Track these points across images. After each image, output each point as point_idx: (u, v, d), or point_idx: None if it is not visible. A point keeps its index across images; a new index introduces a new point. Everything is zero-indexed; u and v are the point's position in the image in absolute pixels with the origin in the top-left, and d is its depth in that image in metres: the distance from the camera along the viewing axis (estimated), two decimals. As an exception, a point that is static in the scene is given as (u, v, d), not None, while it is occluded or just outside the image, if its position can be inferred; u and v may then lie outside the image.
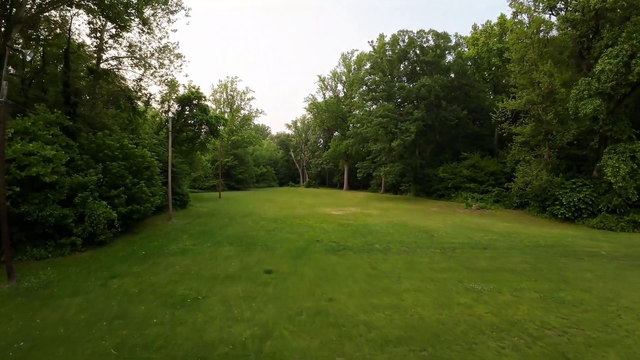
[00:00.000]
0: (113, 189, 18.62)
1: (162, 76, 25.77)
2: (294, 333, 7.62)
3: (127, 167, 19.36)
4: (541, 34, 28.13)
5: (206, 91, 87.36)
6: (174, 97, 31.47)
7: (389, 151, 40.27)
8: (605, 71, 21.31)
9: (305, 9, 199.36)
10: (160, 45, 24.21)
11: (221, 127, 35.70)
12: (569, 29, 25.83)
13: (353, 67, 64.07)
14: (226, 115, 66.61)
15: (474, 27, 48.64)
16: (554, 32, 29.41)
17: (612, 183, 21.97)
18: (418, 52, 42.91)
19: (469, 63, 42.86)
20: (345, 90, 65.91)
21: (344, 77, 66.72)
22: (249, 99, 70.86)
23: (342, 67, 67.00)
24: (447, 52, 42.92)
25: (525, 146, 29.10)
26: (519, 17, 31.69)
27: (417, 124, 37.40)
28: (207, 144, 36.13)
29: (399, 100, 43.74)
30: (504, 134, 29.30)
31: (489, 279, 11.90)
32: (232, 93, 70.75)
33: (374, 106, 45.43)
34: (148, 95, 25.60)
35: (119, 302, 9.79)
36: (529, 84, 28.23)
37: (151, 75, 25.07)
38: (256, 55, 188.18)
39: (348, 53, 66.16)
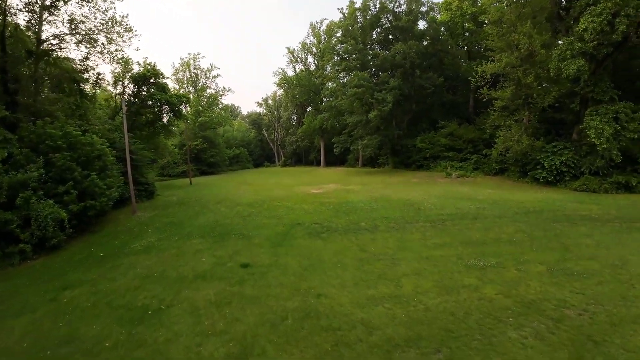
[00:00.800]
0: (61, 185, 16.13)
1: (111, 53, 22.52)
2: (279, 347, 6.22)
3: (74, 158, 16.75)
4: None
5: (167, 71, 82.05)
6: (128, 77, 28.03)
7: (366, 123, 38.77)
8: (588, 30, 20.39)
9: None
10: (106, 18, 20.93)
11: (185, 108, 32.66)
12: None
13: (323, 37, 60.82)
14: (191, 96, 62.36)
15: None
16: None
17: (595, 145, 21.72)
18: (391, 17, 40.75)
19: (443, 29, 41.30)
20: (316, 62, 62.90)
21: (314, 49, 63.46)
22: (214, 77, 66.02)
23: (312, 38, 63.58)
24: (420, 17, 41.01)
25: (505, 111, 28.46)
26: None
27: (393, 93, 35.88)
28: (170, 126, 33.01)
29: (374, 69, 41.78)
30: (484, 99, 28.48)
31: (489, 252, 11.00)
32: (195, 71, 65.78)
33: (348, 77, 43.33)
34: (96, 75, 22.33)
35: (69, 321, 8.12)
36: (507, 47, 27.18)
37: (99, 53, 21.79)
38: (220, 33, 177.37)
39: (317, 22, 62.81)
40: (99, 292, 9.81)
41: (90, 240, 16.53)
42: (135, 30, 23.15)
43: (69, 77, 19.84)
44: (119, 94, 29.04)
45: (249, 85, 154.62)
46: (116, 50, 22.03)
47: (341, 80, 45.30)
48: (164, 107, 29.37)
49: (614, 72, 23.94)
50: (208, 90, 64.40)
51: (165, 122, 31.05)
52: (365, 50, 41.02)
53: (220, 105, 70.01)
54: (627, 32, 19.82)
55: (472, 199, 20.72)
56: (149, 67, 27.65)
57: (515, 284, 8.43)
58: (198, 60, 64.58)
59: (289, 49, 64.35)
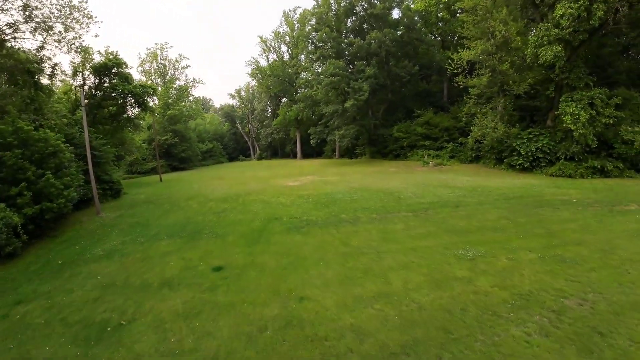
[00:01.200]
0: (13, 186, 14.32)
1: (69, 42, 20.21)
2: (258, 365, 5.36)
3: (27, 156, 14.91)
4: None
5: (133, 62, 76.67)
6: (88, 67, 25.54)
7: (342, 113, 37.99)
8: (566, 15, 20.45)
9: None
10: (63, 3, 18.67)
11: (152, 100, 30.45)
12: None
13: (296, 26, 59.09)
14: (159, 88, 59.05)
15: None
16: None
17: (571, 131, 22.12)
18: (365, 5, 39.86)
19: (417, 18, 40.98)
20: (290, 51, 61.19)
21: (287, 37, 61.58)
22: (183, 68, 63.04)
23: (285, 27, 61.57)
24: (394, 5, 40.40)
25: (481, 98, 28.56)
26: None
27: (369, 81, 35.22)
28: (136, 119, 30.70)
29: (349, 58, 40.89)
30: (460, 87, 28.40)
31: (475, 241, 10.59)
32: (163, 62, 62.38)
33: (323, 67, 42.22)
34: (52, 65, 20.00)
35: (19, 343, 7.01)
36: (482, 34, 27.12)
37: (56, 42, 19.47)
38: (187, 19, 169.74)
39: (290, 11, 60.95)
40: (54, 306, 8.58)
41: (49, 247, 14.87)
42: (95, 17, 20.97)
43: (23, 68, 17.67)
44: (79, 86, 26.52)
45: (220, 77, 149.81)
46: (74, 38, 19.79)
47: (316, 70, 44.08)
48: (128, 99, 27.17)
49: (586, 59, 24.33)
50: (177, 82, 61.30)
51: (130, 115, 28.77)
52: (340, 38, 40.02)
53: (191, 98, 66.95)
54: (605, 18, 19.98)
55: (451, 187, 20.56)
56: (111, 57, 25.34)
57: (509, 274, 7.99)
58: (166, 50, 61.40)
59: (261, 37, 62.23)
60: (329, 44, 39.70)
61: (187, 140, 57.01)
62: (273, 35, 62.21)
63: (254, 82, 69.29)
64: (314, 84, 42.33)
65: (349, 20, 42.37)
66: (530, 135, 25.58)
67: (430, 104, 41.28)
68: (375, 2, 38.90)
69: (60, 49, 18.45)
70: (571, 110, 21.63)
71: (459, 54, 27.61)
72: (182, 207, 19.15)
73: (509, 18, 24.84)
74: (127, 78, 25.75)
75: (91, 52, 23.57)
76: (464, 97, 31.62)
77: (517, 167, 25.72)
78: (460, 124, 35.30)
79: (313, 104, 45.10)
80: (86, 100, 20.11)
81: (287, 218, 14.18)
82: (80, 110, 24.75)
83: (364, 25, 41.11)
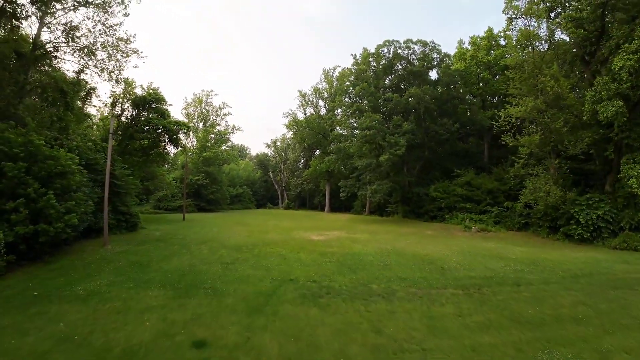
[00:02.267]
0: (11, 201, 13.32)
1: (111, 72, 20.88)
2: None
3: (32, 172, 14.11)
4: (543, 35, 25.83)
5: (178, 105, 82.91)
6: (128, 99, 26.39)
7: (376, 167, 36.18)
8: (625, 67, 18.53)
9: (284, 30, 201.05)
10: (106, 28, 19.51)
11: (187, 138, 30.78)
12: (574, 28, 23.31)
13: (335, 83, 61.22)
14: (199, 128, 61.70)
15: (460, 42, 47.31)
16: (556, 37, 27.32)
17: (636, 196, 19.17)
18: (405, 64, 40.14)
19: (457, 76, 40.48)
20: (327, 106, 62.67)
21: (325, 94, 63.66)
22: (225, 115, 66.09)
23: (324, 83, 64.11)
24: (434, 64, 40.39)
25: (530, 159, 25.83)
26: (514, 23, 29.59)
27: (406, 137, 33.75)
28: (166, 155, 30.73)
29: (386, 113, 40.21)
30: (509, 145, 25.99)
31: (556, 338, 7.64)
32: (207, 107, 66.14)
33: (358, 120, 41.77)
34: (88, 89, 20.49)
35: None
36: (531, 91, 25.42)
37: (96, 68, 20.11)
38: (238, 77, 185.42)
39: (330, 69, 63.57)
40: (-1, 350, 6.60)
41: (36, 272, 13.39)
42: (141, 52, 21.82)
43: (56, 86, 17.93)
44: (113, 115, 27.20)
45: (258, 125, 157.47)
46: (115, 67, 20.35)
47: (351, 123, 43.72)
48: (161, 133, 27.32)
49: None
50: (217, 127, 63.92)
51: (161, 150, 28.79)
52: (378, 94, 39.87)
53: (229, 144, 69.16)
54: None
55: (503, 258, 17.26)
56: (152, 91, 26.08)
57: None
58: (211, 97, 65.08)
59: (300, 92, 64.71)
60: (366, 99, 39.58)
61: (217, 183, 57.31)
62: (312, 90, 64.57)
63: (289, 134, 70.88)
64: (348, 136, 41.68)
65: (387, 78, 42.64)
66: (590, 202, 22.26)
67: (469, 164, 38.71)
68: (415, 62, 39.05)
69: (99, 75, 18.70)
70: (636, 173, 18.67)
71: (507, 110, 25.70)
72: (191, 251, 17.21)
73: (559, 74, 23.30)
74: (163, 114, 26.08)
75: (133, 86, 24.24)
76: (510, 158, 29.11)
77: (576, 237, 22.11)
78: (504, 186, 32.20)
79: (346, 157, 44.05)
80: (120, 132, 19.88)
81: (304, 281, 11.61)
82: (115, 140, 25.07)
83: (402, 84, 40.98)
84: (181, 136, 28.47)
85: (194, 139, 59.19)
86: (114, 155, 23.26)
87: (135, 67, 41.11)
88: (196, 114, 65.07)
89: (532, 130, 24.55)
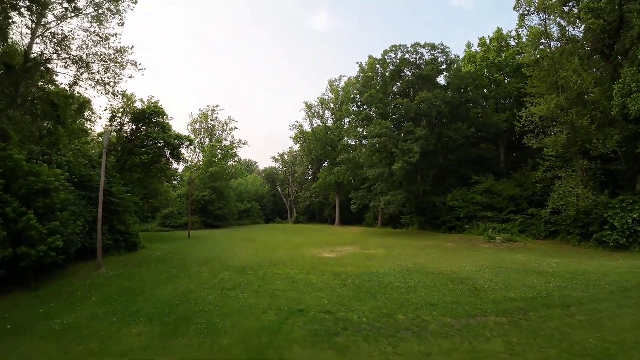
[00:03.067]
0: None
1: (107, 84, 19.93)
2: None
3: (11, 189, 12.87)
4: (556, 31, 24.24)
5: (183, 120, 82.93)
6: (127, 112, 25.40)
7: (388, 176, 34.36)
8: None
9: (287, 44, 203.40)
10: (100, 39, 18.67)
11: (185, 151, 29.65)
12: (593, 19, 21.67)
13: (341, 93, 60.22)
14: (206, 144, 61.06)
15: (468, 45, 45.94)
16: (572, 32, 25.65)
17: None
18: (413, 69, 38.76)
19: (469, 79, 38.88)
20: (333, 116, 61.52)
21: (331, 104, 62.62)
22: (231, 129, 65.33)
23: (330, 94, 63.12)
24: (444, 68, 38.92)
25: (557, 161, 23.83)
26: (527, 19, 28.05)
27: (420, 143, 32.00)
28: (167, 170, 29.57)
29: (395, 120, 38.61)
30: (533, 146, 24.03)
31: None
32: (212, 122, 65.71)
33: (367, 128, 40.28)
34: (81, 102, 19.50)
35: None
36: (551, 88, 23.65)
37: (91, 80, 19.16)
38: (243, 92, 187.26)
39: (335, 79, 62.66)
40: None
41: (18, 300, 12.11)
42: (139, 64, 20.91)
43: (47, 98, 16.94)
44: (110, 130, 26.17)
45: (266, 139, 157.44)
46: (109, 79, 19.38)
47: (359, 131, 42.24)
48: (162, 148, 26.20)
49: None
50: (224, 142, 63.25)
51: (162, 165, 27.63)
52: (387, 100, 38.42)
53: (236, 158, 68.35)
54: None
55: (540, 273, 15.24)
56: (151, 105, 25.11)
57: None
58: (216, 112, 64.71)
59: (306, 103, 63.81)
60: (374, 106, 38.15)
61: (225, 198, 56.06)
62: (318, 101, 63.68)
63: (296, 147, 69.80)
64: (357, 145, 40.14)
65: (395, 85, 41.26)
66: (624, 204, 20.19)
67: (485, 170, 36.62)
68: (423, 66, 37.66)
69: (93, 87, 17.66)
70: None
71: (528, 109, 23.89)
72: (190, 274, 15.62)
73: (581, 68, 21.57)
74: (164, 127, 25.00)
75: (133, 100, 23.29)
76: (529, 161, 27.07)
77: (611, 243, 20.03)
78: (526, 192, 30.06)
79: (355, 167, 42.38)
80: (119, 147, 18.74)
81: (316, 311, 9.74)
82: (114, 155, 23.97)
83: (411, 90, 39.49)
84: (183, 150, 27.35)
85: (200, 155, 58.46)
86: (112, 172, 22.10)
87: (130, 77, 40.11)
88: (202, 129, 64.66)
89: (557, 130, 22.64)
